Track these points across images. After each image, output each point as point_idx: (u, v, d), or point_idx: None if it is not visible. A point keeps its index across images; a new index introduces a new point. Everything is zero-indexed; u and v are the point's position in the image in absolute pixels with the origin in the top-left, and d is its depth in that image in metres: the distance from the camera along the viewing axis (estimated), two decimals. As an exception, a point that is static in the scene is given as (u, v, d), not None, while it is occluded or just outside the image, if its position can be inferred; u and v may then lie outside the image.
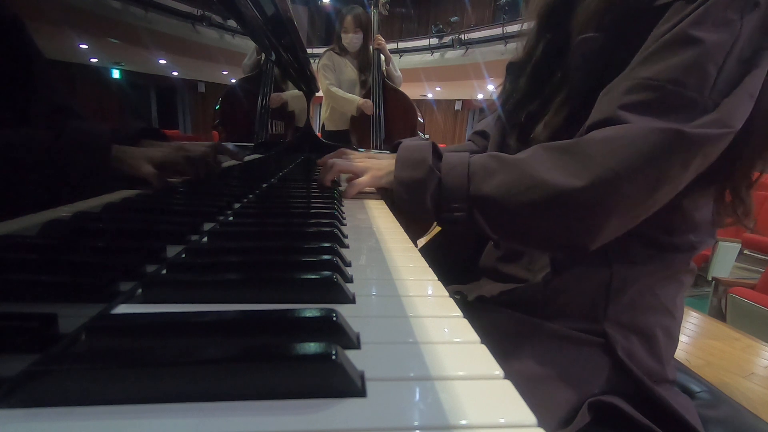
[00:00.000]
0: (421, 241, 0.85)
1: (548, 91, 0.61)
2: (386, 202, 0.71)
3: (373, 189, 0.76)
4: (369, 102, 2.37)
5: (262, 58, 1.27)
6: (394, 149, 0.78)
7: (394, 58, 2.61)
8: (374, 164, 0.68)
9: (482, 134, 0.86)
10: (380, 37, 2.42)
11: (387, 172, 0.64)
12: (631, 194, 0.46)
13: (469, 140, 0.89)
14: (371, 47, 2.44)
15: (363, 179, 0.67)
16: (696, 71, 0.45)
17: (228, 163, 0.88)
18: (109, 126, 0.51)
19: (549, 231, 0.51)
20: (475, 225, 0.53)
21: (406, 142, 0.61)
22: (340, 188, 0.76)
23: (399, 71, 2.54)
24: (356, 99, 2.39)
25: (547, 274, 0.60)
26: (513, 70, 0.70)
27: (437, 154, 0.57)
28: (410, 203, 0.56)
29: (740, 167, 0.52)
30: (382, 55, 2.47)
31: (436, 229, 0.70)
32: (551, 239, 0.52)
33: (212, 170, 0.67)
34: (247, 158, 1.11)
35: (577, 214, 0.48)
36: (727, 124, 0.45)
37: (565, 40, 0.59)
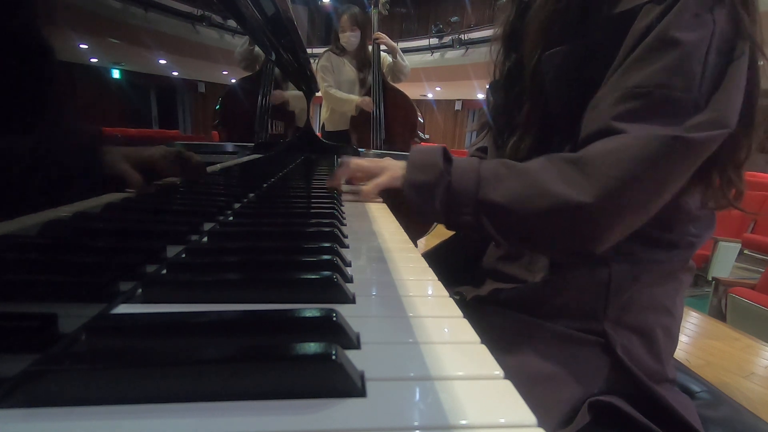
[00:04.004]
0: (422, 242, 0.86)
1: (522, 106, 0.63)
2: (387, 204, 0.71)
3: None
4: (368, 99, 2.37)
5: (255, 48, 1.27)
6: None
7: (396, 57, 2.60)
8: (391, 164, 0.68)
9: (484, 150, 0.87)
10: (381, 33, 2.42)
11: (403, 173, 0.65)
12: (635, 201, 0.48)
13: (472, 156, 0.90)
14: (369, 46, 2.44)
15: (381, 179, 0.67)
16: (681, 72, 0.46)
17: (227, 163, 0.88)
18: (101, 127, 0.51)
19: (555, 237, 0.52)
20: (483, 229, 0.54)
21: (418, 146, 0.62)
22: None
23: (406, 60, 2.53)
24: (354, 98, 2.38)
25: (547, 274, 0.60)
26: (493, 90, 0.72)
27: (448, 158, 0.58)
28: (420, 205, 0.57)
29: (725, 149, 0.51)
30: (383, 53, 2.46)
31: (435, 229, 0.70)
32: (557, 245, 0.53)
33: (199, 170, 0.67)
34: (247, 158, 1.11)
35: (584, 224, 0.49)
36: (723, 124, 0.46)
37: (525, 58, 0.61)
